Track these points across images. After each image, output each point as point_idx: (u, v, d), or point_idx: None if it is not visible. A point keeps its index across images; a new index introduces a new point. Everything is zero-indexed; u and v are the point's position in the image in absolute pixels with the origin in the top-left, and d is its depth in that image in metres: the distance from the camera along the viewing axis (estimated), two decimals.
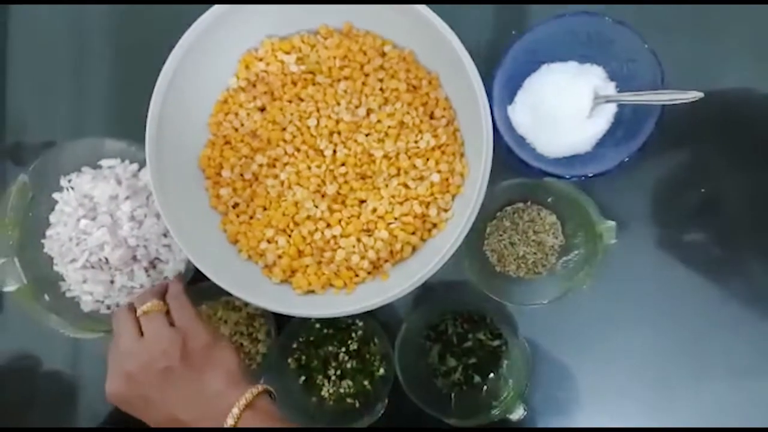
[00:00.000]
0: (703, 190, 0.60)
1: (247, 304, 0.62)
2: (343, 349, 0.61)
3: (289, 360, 0.61)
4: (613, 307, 0.60)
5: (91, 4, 0.66)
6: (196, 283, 0.58)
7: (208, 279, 0.52)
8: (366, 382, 0.60)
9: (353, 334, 0.61)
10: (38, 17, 0.67)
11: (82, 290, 0.58)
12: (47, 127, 0.67)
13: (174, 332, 0.49)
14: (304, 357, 0.61)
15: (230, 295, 0.53)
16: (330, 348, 0.61)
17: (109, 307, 0.60)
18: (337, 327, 0.61)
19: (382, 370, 0.60)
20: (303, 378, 0.61)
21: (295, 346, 0.61)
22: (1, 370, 0.66)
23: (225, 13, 0.52)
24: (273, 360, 0.60)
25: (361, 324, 0.61)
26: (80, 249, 0.57)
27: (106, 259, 0.57)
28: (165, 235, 0.59)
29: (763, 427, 0.58)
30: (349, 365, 0.60)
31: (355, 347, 0.61)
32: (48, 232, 0.60)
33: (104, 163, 0.61)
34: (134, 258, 0.58)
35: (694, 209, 0.60)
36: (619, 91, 0.56)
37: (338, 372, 0.60)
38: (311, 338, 0.61)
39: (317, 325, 0.61)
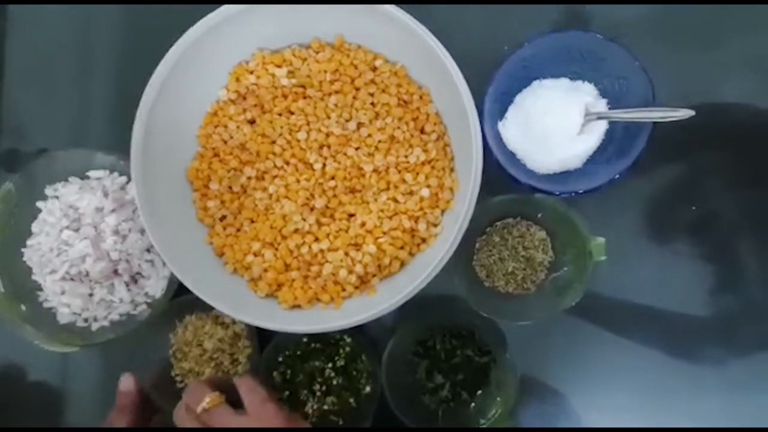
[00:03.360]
0: (694, 208, 0.60)
1: (234, 322, 0.61)
2: (330, 365, 0.60)
3: (275, 373, 0.60)
4: (603, 324, 0.60)
5: (91, 4, 0.66)
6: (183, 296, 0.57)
7: (191, 293, 0.51)
8: (351, 400, 0.59)
9: (341, 350, 0.60)
10: (37, 26, 0.67)
11: (60, 302, 0.58)
12: (42, 136, 0.66)
13: (246, 420, 0.45)
14: (289, 371, 0.60)
15: None
16: (317, 363, 0.60)
17: (86, 320, 0.58)
18: (325, 342, 0.60)
19: (368, 388, 0.59)
20: (287, 393, 0.60)
21: (281, 359, 0.60)
22: None
23: (216, 25, 0.52)
24: (258, 373, 0.59)
25: (349, 340, 0.60)
26: (61, 260, 0.56)
27: (87, 271, 0.56)
28: (149, 251, 0.59)
29: (762, 428, 0.58)
30: (334, 381, 0.59)
31: (342, 363, 0.59)
32: (29, 242, 0.59)
33: (92, 174, 0.61)
34: (115, 272, 0.58)
35: (685, 226, 0.60)
36: (610, 108, 0.56)
37: (323, 388, 0.59)
38: (298, 352, 0.60)
39: (304, 339, 0.60)
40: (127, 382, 0.54)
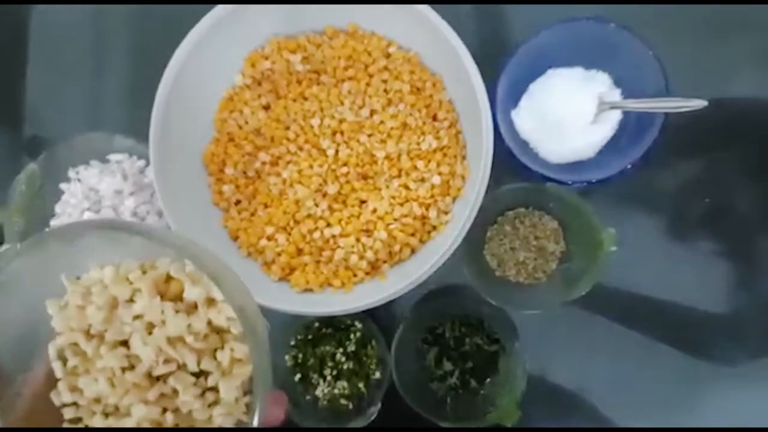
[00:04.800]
0: (707, 200, 0.59)
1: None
2: (341, 350, 0.60)
3: (286, 357, 0.61)
4: (612, 316, 0.59)
5: (107, 4, 0.67)
6: None
7: None
8: (361, 385, 0.60)
9: (351, 336, 0.61)
10: (58, 16, 0.69)
11: None
12: (63, 122, 0.68)
13: None
14: (301, 355, 0.61)
15: None
16: (327, 348, 0.61)
17: None
18: (336, 327, 0.61)
19: (377, 374, 0.60)
20: (299, 376, 0.61)
21: (293, 343, 0.61)
22: None
23: (232, 12, 0.53)
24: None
25: (359, 326, 0.61)
26: None
27: None
28: None
29: (762, 428, 0.57)
30: (345, 366, 0.60)
31: (353, 349, 0.60)
32: (52, 222, 0.61)
33: (112, 157, 0.62)
34: None
35: (697, 219, 0.59)
36: (624, 98, 0.56)
37: (334, 372, 0.60)
38: (309, 337, 0.61)
39: (316, 324, 0.61)
40: None
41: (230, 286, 0.36)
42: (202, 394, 0.38)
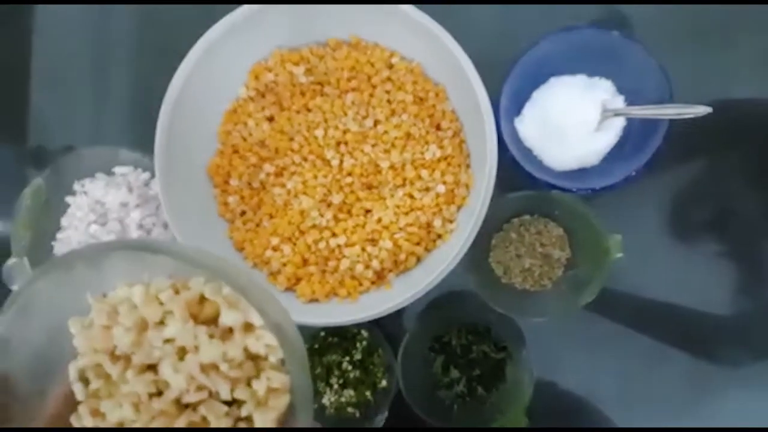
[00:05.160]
0: (712, 205, 0.59)
1: None
2: (347, 359, 0.61)
3: None
4: (619, 322, 0.59)
5: (111, 4, 0.68)
6: None
7: None
8: (368, 393, 0.60)
9: (357, 344, 0.61)
10: (62, 28, 0.69)
11: None
12: (68, 133, 0.68)
13: None
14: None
15: None
16: (334, 357, 0.61)
17: None
18: (343, 336, 0.61)
19: (384, 382, 0.60)
20: None
21: None
22: None
23: (236, 24, 0.53)
24: None
25: (366, 335, 0.61)
26: None
27: None
28: None
29: (763, 427, 0.57)
30: (352, 375, 0.60)
31: (359, 357, 0.61)
32: (59, 235, 0.61)
33: (117, 170, 0.62)
34: None
35: (703, 225, 0.59)
36: (627, 105, 0.56)
37: (341, 381, 0.60)
38: (315, 346, 0.61)
39: (322, 333, 0.61)
40: None
41: (270, 309, 0.34)
42: (235, 423, 0.35)
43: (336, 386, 0.60)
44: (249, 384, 0.35)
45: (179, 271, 0.36)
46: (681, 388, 0.59)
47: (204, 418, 0.34)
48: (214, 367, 0.34)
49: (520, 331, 0.57)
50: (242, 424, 0.35)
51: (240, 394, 0.35)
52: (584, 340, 0.60)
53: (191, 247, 0.40)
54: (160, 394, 0.35)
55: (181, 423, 0.34)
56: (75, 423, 0.36)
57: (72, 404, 0.36)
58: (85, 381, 0.36)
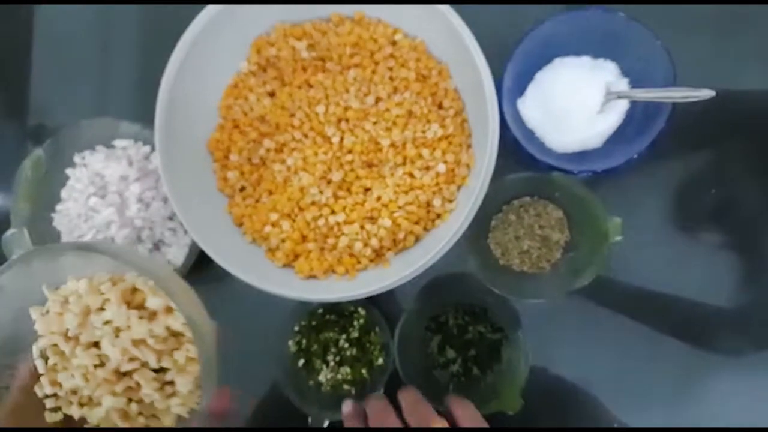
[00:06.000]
0: (713, 191, 0.59)
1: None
2: (344, 336, 0.61)
3: (290, 342, 0.61)
4: (617, 307, 0.59)
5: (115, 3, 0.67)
6: (197, 269, 0.59)
7: (210, 263, 0.52)
8: (364, 371, 0.60)
9: (354, 322, 0.61)
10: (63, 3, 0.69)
11: None
12: (68, 110, 0.68)
13: None
14: (304, 341, 0.61)
15: None
16: (331, 334, 0.61)
17: None
18: (340, 314, 0.62)
19: (380, 360, 0.60)
20: (302, 361, 0.61)
21: (297, 329, 0.61)
22: None
23: None
24: (273, 341, 0.60)
25: (363, 312, 0.61)
26: (88, 226, 0.58)
27: (112, 237, 0.58)
28: (171, 219, 0.60)
29: (763, 428, 0.57)
30: (348, 353, 0.60)
31: (356, 335, 0.61)
32: (58, 207, 0.61)
33: (118, 143, 0.62)
34: (139, 239, 0.59)
35: (704, 211, 0.59)
36: (631, 88, 0.55)
37: (337, 358, 0.61)
38: (313, 323, 0.61)
39: (320, 311, 0.61)
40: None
41: (182, 300, 0.42)
42: (162, 387, 0.45)
43: (333, 363, 0.61)
44: (172, 355, 0.45)
45: (118, 268, 0.46)
46: (677, 374, 0.59)
47: (138, 383, 0.44)
48: (143, 341, 0.44)
49: (516, 312, 0.57)
50: (168, 388, 0.45)
51: (165, 363, 0.44)
52: (581, 323, 0.60)
53: (126, 249, 0.54)
54: (103, 365, 0.44)
55: (119, 388, 0.44)
56: (38, 392, 0.45)
57: (36, 376, 0.45)
58: (45, 358, 0.46)
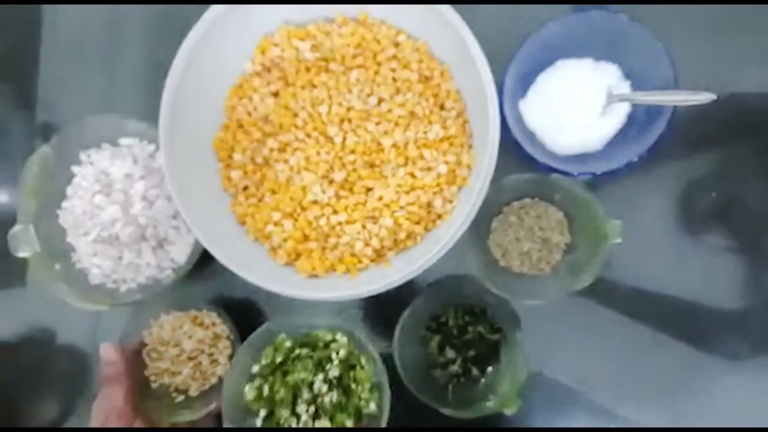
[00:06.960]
0: (714, 194, 0.59)
1: (215, 324, 0.62)
2: (321, 377, 0.48)
3: (246, 388, 0.48)
4: (616, 309, 0.60)
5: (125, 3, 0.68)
6: (199, 265, 0.59)
7: (213, 260, 0.53)
8: (349, 423, 0.47)
9: (333, 354, 0.48)
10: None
11: (92, 263, 0.60)
12: (76, 108, 0.69)
13: None
14: (266, 386, 0.48)
15: (199, 309, 0.60)
16: (303, 374, 0.47)
17: (115, 282, 0.61)
18: (313, 345, 0.50)
19: (371, 406, 0.47)
20: (263, 413, 0.48)
21: (255, 370, 0.48)
22: (18, 341, 0.69)
23: None
24: (228, 387, 0.48)
25: (344, 340, 0.49)
26: (93, 223, 0.59)
27: (117, 235, 0.59)
28: (175, 217, 0.61)
29: (763, 427, 0.57)
30: (327, 398, 0.47)
31: (336, 374, 0.48)
32: (64, 204, 0.61)
33: (123, 141, 0.63)
34: (143, 237, 0.60)
35: (704, 214, 0.59)
36: (633, 91, 0.56)
37: (311, 408, 0.47)
38: (278, 360, 0.49)
39: (287, 343, 0.49)
40: (107, 353, 0.58)
41: None
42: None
43: (305, 415, 0.46)
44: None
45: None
46: (677, 375, 0.60)
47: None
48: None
49: (516, 313, 0.57)
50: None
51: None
52: (580, 325, 0.60)
53: None
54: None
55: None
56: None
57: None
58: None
